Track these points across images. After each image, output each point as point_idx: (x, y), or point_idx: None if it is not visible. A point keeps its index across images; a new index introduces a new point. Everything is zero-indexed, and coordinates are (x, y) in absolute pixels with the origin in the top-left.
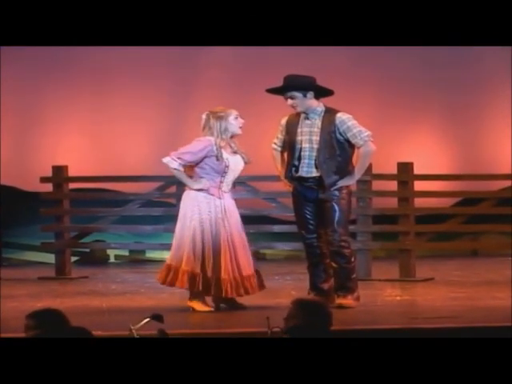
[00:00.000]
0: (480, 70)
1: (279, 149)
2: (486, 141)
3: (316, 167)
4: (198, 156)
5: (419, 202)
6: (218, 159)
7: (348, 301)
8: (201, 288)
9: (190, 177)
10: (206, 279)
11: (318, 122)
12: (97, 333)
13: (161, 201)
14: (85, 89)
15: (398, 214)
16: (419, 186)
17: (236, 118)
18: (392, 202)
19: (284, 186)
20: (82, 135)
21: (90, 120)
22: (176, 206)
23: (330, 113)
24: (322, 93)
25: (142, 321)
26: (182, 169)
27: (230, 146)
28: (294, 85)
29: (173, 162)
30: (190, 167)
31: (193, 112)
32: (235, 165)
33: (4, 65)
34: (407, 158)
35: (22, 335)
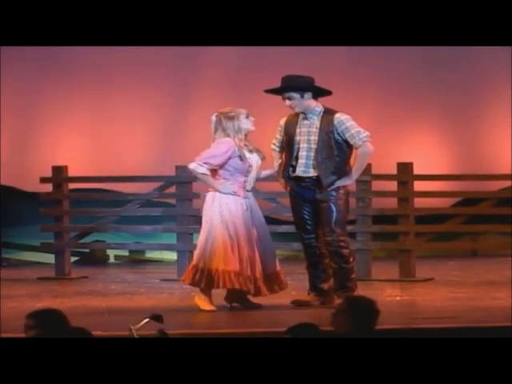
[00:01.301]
0: (480, 70)
1: (278, 149)
2: (486, 141)
3: (313, 167)
4: (223, 158)
5: (419, 202)
6: (241, 159)
7: None
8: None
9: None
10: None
11: (317, 122)
12: (97, 333)
13: (160, 201)
14: (85, 89)
15: (398, 214)
16: (419, 186)
17: (247, 116)
18: (392, 202)
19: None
20: (82, 135)
21: (90, 120)
22: (175, 207)
23: (328, 113)
24: (319, 93)
25: (141, 321)
26: (209, 173)
27: (246, 145)
28: (292, 85)
29: (200, 168)
30: (214, 170)
31: (193, 112)
32: (256, 163)
33: (4, 65)
34: (407, 158)
35: (22, 335)
